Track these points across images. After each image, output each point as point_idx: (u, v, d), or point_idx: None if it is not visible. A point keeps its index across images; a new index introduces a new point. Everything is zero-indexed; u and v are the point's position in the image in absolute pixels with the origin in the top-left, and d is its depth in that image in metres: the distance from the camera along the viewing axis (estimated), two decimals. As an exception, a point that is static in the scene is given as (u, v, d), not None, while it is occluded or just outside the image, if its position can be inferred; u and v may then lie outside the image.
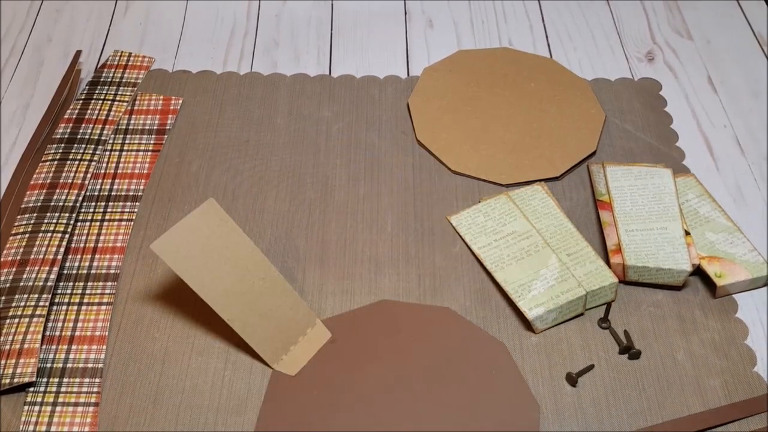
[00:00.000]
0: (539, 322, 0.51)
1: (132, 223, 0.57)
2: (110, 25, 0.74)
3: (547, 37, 0.73)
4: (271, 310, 0.49)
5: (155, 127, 0.64)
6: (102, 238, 0.56)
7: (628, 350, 0.50)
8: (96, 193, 0.59)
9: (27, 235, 0.55)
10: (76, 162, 0.60)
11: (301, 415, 0.47)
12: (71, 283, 0.53)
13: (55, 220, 0.56)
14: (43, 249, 0.54)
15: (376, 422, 0.46)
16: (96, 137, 0.62)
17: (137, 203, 0.58)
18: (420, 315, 0.52)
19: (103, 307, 0.52)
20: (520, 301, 0.51)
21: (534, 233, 0.54)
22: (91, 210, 0.58)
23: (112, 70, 0.68)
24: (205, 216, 0.48)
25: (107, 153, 0.62)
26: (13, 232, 0.56)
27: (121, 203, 0.58)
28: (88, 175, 0.60)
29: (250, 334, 0.49)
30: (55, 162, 0.60)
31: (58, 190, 0.58)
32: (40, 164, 0.60)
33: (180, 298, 0.53)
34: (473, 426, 0.46)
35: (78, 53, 0.69)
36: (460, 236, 0.56)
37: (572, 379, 0.48)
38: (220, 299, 0.48)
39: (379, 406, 0.47)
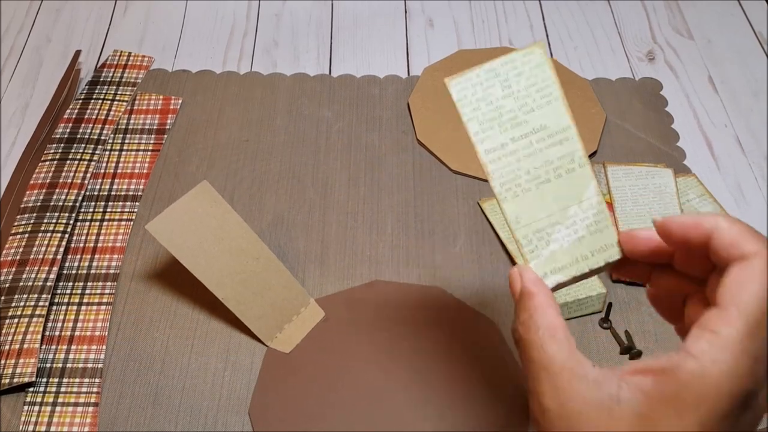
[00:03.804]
0: (551, 287, 0.34)
1: (132, 222, 0.57)
2: (110, 25, 0.74)
3: (547, 36, 0.73)
4: (266, 290, 0.50)
5: (155, 127, 0.63)
6: (102, 237, 0.56)
7: (629, 351, 0.50)
8: (96, 193, 0.59)
9: (27, 235, 0.55)
10: (76, 162, 0.60)
11: (295, 391, 0.47)
12: (71, 283, 0.53)
13: (54, 220, 0.56)
14: (43, 249, 0.54)
15: (368, 398, 0.47)
16: (96, 137, 0.62)
17: (137, 203, 0.58)
18: (412, 294, 0.52)
19: (103, 307, 0.52)
20: (532, 260, 0.33)
21: (573, 133, 0.34)
22: (91, 210, 0.58)
23: (112, 69, 0.68)
24: (199, 197, 0.49)
25: (107, 153, 0.62)
26: (13, 231, 0.56)
27: (120, 203, 0.58)
28: (88, 175, 0.59)
29: (245, 312, 0.49)
30: (55, 162, 0.60)
31: (57, 190, 0.58)
32: (40, 164, 0.60)
33: (180, 298, 0.53)
34: (464, 401, 0.47)
35: (77, 53, 0.69)
36: (461, 116, 0.34)
37: (573, 379, 0.48)
38: (214, 279, 0.48)
39: (371, 383, 0.48)
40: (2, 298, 0.52)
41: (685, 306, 0.32)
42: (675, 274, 0.32)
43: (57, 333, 0.51)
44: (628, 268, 0.34)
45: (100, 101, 0.65)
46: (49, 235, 0.55)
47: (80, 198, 0.58)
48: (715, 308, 0.27)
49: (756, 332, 0.26)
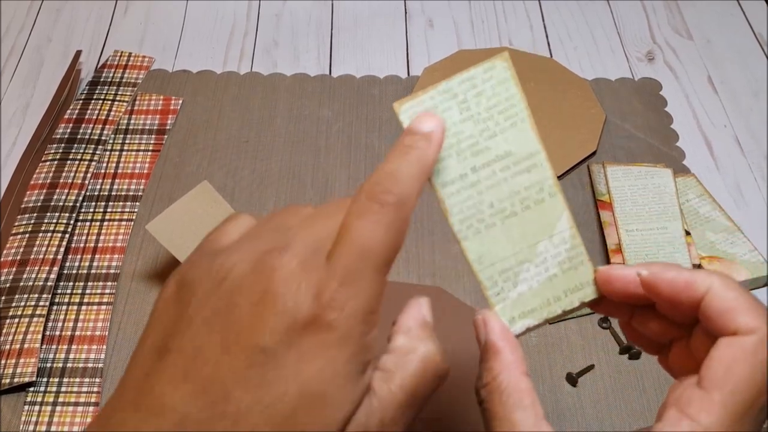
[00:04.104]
0: (519, 333, 0.31)
1: (132, 223, 0.57)
2: (110, 25, 0.74)
3: (547, 36, 0.73)
4: None
5: (155, 127, 0.64)
6: (102, 237, 0.56)
7: (629, 350, 0.50)
8: (96, 193, 0.59)
9: (27, 235, 0.55)
10: (76, 162, 0.60)
11: None
12: (71, 283, 0.53)
13: (55, 220, 0.56)
14: (43, 249, 0.54)
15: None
16: (96, 137, 0.62)
17: (137, 203, 0.58)
18: (412, 294, 0.52)
19: (103, 307, 0.52)
20: (498, 303, 0.30)
21: (543, 159, 0.30)
22: (91, 210, 0.58)
23: (112, 70, 0.68)
24: (199, 197, 0.49)
25: (107, 153, 0.62)
26: (13, 232, 0.56)
27: (121, 203, 0.58)
28: (88, 175, 0.60)
29: None
30: (55, 162, 0.60)
31: (58, 190, 0.58)
32: (40, 164, 0.60)
33: (180, 298, 0.53)
34: (463, 400, 0.47)
35: (78, 53, 0.69)
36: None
37: (572, 379, 0.48)
38: None
39: None
40: (3, 298, 0.52)
41: (669, 346, 0.30)
42: (658, 318, 0.29)
43: (57, 333, 0.51)
44: (605, 306, 0.31)
45: (100, 101, 0.65)
46: (49, 235, 0.55)
47: (81, 198, 0.58)
48: (698, 389, 0.25)
49: (740, 423, 0.24)
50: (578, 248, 0.30)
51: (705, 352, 0.26)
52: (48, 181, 0.59)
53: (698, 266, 0.52)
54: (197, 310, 0.23)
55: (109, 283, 0.53)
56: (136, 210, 0.58)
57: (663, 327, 0.29)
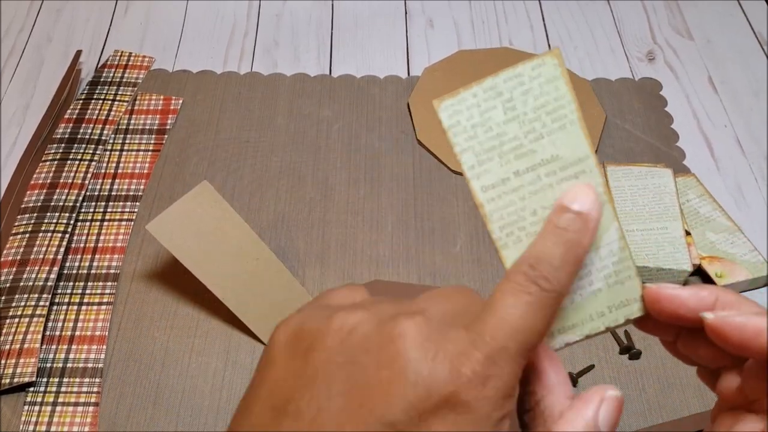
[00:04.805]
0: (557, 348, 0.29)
1: (132, 223, 0.57)
2: (110, 25, 0.74)
3: (547, 37, 0.73)
4: (266, 289, 0.50)
5: (155, 127, 0.64)
6: (102, 238, 0.56)
7: (629, 350, 0.50)
8: (96, 193, 0.59)
9: (27, 235, 0.55)
10: (77, 162, 0.60)
11: None
12: (71, 283, 0.53)
13: (55, 220, 0.56)
14: (43, 249, 0.54)
15: None
16: (96, 137, 0.62)
17: (137, 203, 0.58)
18: (412, 293, 0.52)
19: (103, 307, 0.52)
20: None
21: (592, 164, 0.28)
22: (91, 210, 0.58)
23: (113, 70, 0.68)
24: (199, 197, 0.49)
25: (107, 153, 0.62)
26: (13, 232, 0.56)
27: (121, 203, 0.58)
28: (89, 175, 0.60)
29: (245, 312, 0.49)
30: (56, 162, 0.60)
31: (58, 190, 0.58)
32: (41, 164, 0.60)
33: (180, 298, 0.53)
34: None
35: (78, 53, 0.69)
36: (453, 147, 0.29)
37: (572, 379, 0.48)
38: (214, 278, 0.48)
39: None
40: (3, 298, 0.52)
41: (717, 373, 0.27)
42: (708, 344, 0.26)
43: (57, 333, 0.51)
44: (650, 325, 0.29)
45: (100, 101, 0.65)
46: (49, 235, 0.55)
47: (81, 198, 0.58)
48: None
49: None
50: (627, 262, 0.28)
51: (761, 393, 0.24)
52: (48, 181, 0.59)
53: (698, 266, 0.52)
54: (318, 367, 0.21)
55: (109, 283, 0.53)
56: (136, 210, 0.58)
57: (713, 354, 0.27)
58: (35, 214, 0.56)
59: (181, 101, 0.66)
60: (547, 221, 0.25)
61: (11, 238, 0.55)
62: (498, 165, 0.28)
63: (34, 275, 0.53)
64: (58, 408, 0.47)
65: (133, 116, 0.64)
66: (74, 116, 0.64)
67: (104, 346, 0.50)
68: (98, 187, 0.59)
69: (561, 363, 0.26)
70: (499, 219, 0.28)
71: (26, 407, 0.47)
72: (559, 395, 0.25)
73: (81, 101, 0.65)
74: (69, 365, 0.49)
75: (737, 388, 0.25)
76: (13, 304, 0.51)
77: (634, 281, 0.28)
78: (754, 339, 0.24)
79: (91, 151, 0.61)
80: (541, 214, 0.28)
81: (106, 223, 0.57)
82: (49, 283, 0.52)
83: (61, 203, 0.57)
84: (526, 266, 0.24)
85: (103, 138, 0.62)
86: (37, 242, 0.55)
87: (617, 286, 0.28)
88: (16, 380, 0.47)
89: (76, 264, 0.54)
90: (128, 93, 0.66)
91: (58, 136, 0.62)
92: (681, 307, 0.26)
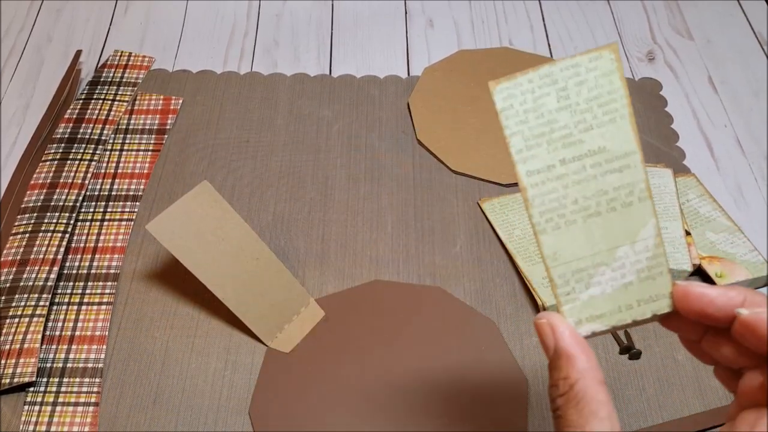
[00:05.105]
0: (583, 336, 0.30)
1: (132, 223, 0.57)
2: (110, 25, 0.74)
3: (547, 37, 0.73)
4: (266, 289, 0.50)
5: (155, 127, 0.64)
6: (102, 237, 0.56)
7: (629, 350, 0.50)
8: (96, 193, 0.59)
9: (27, 235, 0.55)
10: (76, 162, 0.60)
11: (295, 391, 0.48)
12: (71, 283, 0.53)
13: (55, 220, 0.56)
14: (43, 249, 0.54)
15: (368, 398, 0.47)
16: (96, 137, 0.62)
17: (137, 203, 0.58)
18: (412, 294, 0.53)
19: (103, 307, 0.52)
20: (566, 303, 0.29)
21: (638, 160, 0.29)
22: (91, 210, 0.58)
23: (113, 69, 0.68)
24: (199, 197, 0.49)
25: (107, 153, 0.62)
26: (13, 231, 0.56)
27: (121, 203, 0.58)
28: (88, 175, 0.60)
29: (245, 312, 0.49)
30: (55, 162, 0.60)
31: (58, 190, 0.58)
32: (40, 164, 0.60)
33: (180, 298, 0.53)
34: (463, 399, 0.47)
35: (78, 53, 0.69)
36: (503, 129, 0.29)
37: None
38: (214, 278, 0.48)
39: (371, 383, 0.48)
40: (3, 298, 0.52)
41: (740, 373, 0.28)
42: (733, 344, 0.27)
43: (57, 333, 0.51)
44: (676, 322, 0.29)
45: (100, 101, 0.65)
46: (49, 235, 0.55)
47: (81, 198, 0.58)
48: None
49: None
50: (660, 258, 0.29)
51: None
52: (48, 181, 0.59)
53: (698, 266, 0.52)
54: None
55: (109, 283, 0.53)
56: (136, 210, 0.58)
57: (737, 354, 0.27)
58: (35, 214, 0.56)
59: (181, 101, 0.66)
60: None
61: (11, 238, 0.55)
62: (545, 151, 0.29)
63: (34, 275, 0.53)
64: (58, 408, 0.47)
65: (133, 116, 0.64)
66: (74, 116, 0.64)
67: (104, 346, 0.50)
68: (98, 187, 0.59)
69: (591, 349, 0.27)
70: (541, 204, 0.29)
71: (26, 407, 0.47)
72: (592, 380, 0.26)
73: (81, 101, 0.65)
74: (69, 365, 0.49)
75: (759, 386, 0.25)
76: (13, 304, 0.51)
77: (665, 278, 0.29)
78: None
79: (91, 151, 0.61)
80: (582, 203, 0.28)
81: (106, 223, 0.57)
82: (49, 283, 0.52)
83: (61, 203, 0.57)
84: None
85: (103, 138, 0.62)
86: (37, 242, 0.55)
87: (648, 281, 0.29)
88: (16, 380, 0.47)
89: (76, 264, 0.54)
90: (128, 93, 0.66)
91: (58, 136, 0.62)
92: (709, 305, 0.26)
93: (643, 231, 0.29)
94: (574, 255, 0.29)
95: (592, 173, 0.29)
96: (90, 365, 0.49)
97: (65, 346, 0.50)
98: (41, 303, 0.51)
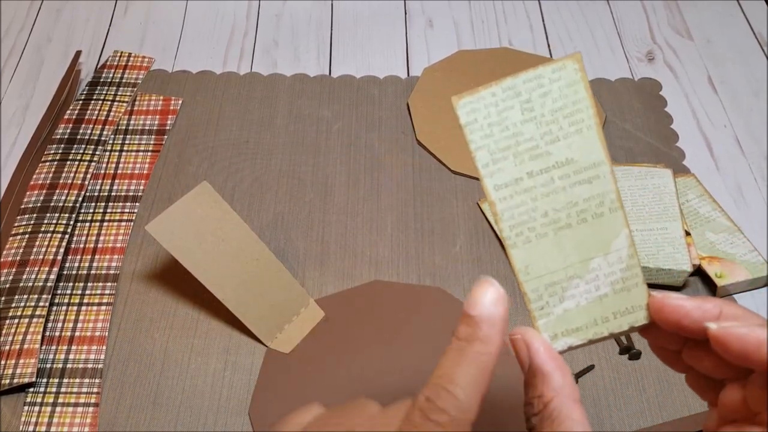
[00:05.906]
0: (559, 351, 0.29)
1: (132, 223, 0.57)
2: (110, 25, 0.74)
3: (547, 37, 0.73)
4: (265, 290, 0.50)
5: (155, 128, 0.64)
6: (102, 238, 0.56)
7: (629, 350, 0.50)
8: (96, 194, 0.59)
9: (27, 236, 0.55)
10: (76, 162, 0.60)
11: (295, 391, 0.48)
12: (71, 284, 0.53)
13: (55, 221, 0.56)
14: (43, 249, 0.54)
15: (368, 397, 0.47)
16: (96, 137, 0.62)
17: (137, 203, 0.58)
18: (412, 294, 0.53)
19: (103, 308, 0.52)
20: (540, 318, 0.29)
21: (606, 171, 0.28)
22: (91, 210, 0.58)
23: (112, 70, 0.68)
24: (199, 198, 0.49)
25: (107, 153, 0.62)
26: (13, 232, 0.56)
27: (120, 203, 0.58)
28: (88, 176, 0.60)
29: (245, 312, 0.49)
30: (55, 162, 0.60)
31: (58, 191, 0.58)
32: (40, 164, 0.60)
33: (180, 299, 0.53)
34: None
35: (78, 53, 0.69)
36: (468, 144, 0.29)
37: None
38: (214, 279, 0.48)
39: (371, 383, 0.48)
40: (3, 298, 0.52)
41: (721, 385, 0.27)
42: (713, 356, 0.26)
43: (57, 333, 0.51)
44: (655, 332, 0.29)
45: (100, 102, 0.65)
46: (49, 235, 0.55)
47: (80, 199, 0.58)
48: None
49: None
50: (634, 269, 0.28)
51: (764, 405, 0.24)
52: (48, 181, 0.59)
53: (698, 266, 0.52)
54: None
55: (109, 284, 0.53)
56: (135, 210, 0.58)
57: (718, 366, 0.27)
58: (35, 215, 0.56)
59: (180, 101, 0.66)
60: (453, 335, 0.26)
61: (11, 238, 0.55)
62: (512, 164, 0.28)
63: (33, 276, 0.53)
64: (58, 408, 0.47)
65: (133, 117, 0.64)
66: (74, 116, 0.64)
67: (104, 347, 0.50)
68: (98, 187, 0.59)
69: (567, 365, 0.26)
70: (510, 218, 0.28)
71: (26, 408, 0.47)
72: (567, 398, 0.25)
73: (81, 102, 0.65)
74: (69, 366, 0.49)
75: (741, 400, 0.25)
76: (13, 305, 0.51)
77: (640, 289, 0.28)
78: (756, 350, 0.24)
79: (90, 152, 0.61)
80: (552, 216, 0.28)
81: (105, 224, 0.57)
82: (49, 284, 0.52)
83: (60, 204, 0.57)
84: (423, 401, 0.24)
85: (103, 138, 0.62)
86: (37, 243, 0.55)
87: (624, 292, 0.28)
88: (15, 381, 0.47)
89: (76, 264, 0.54)
90: (128, 93, 0.66)
91: (58, 137, 0.62)
92: (685, 317, 0.26)
93: (615, 242, 0.28)
94: (547, 268, 0.28)
95: (560, 185, 0.28)
96: (90, 366, 0.49)
97: (65, 347, 0.50)
98: (41, 303, 0.51)
